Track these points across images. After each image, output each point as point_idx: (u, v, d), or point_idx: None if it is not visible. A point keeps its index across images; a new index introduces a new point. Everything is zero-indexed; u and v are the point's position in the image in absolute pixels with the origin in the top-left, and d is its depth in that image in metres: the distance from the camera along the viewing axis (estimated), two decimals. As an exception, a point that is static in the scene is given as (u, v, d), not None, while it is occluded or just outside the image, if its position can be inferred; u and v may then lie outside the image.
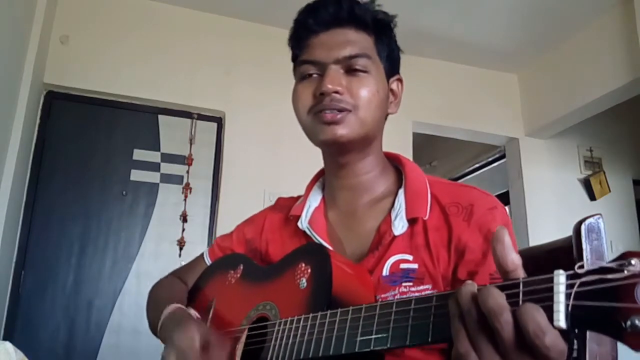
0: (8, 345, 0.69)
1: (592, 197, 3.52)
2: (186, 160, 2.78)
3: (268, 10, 2.91)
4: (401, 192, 0.80)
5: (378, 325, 0.53)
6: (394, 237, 0.75)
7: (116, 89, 2.71)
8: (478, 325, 0.42)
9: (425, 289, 0.70)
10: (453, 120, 3.35)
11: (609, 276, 0.37)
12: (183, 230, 2.69)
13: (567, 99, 3.11)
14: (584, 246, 0.57)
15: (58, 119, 2.64)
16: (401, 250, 0.74)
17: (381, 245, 0.75)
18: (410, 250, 0.74)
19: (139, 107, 2.77)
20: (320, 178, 0.93)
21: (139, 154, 2.72)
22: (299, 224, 0.85)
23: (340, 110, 0.76)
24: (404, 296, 0.69)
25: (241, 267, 0.85)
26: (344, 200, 0.85)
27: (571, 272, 0.40)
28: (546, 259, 0.71)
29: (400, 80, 0.87)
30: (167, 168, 2.75)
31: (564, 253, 0.55)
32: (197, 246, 2.69)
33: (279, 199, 0.98)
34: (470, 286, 0.44)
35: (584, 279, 0.39)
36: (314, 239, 0.82)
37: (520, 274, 0.44)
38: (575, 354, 0.42)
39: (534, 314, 0.39)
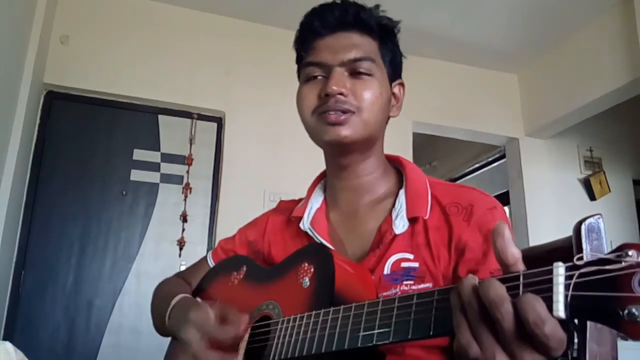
0: (8, 345, 0.69)
1: (592, 197, 3.52)
2: (186, 160, 2.78)
3: (268, 10, 2.91)
4: (402, 192, 0.81)
5: (380, 321, 0.53)
6: (395, 236, 0.76)
7: (116, 89, 2.71)
8: (479, 316, 0.43)
9: (426, 288, 0.71)
10: (453, 120, 3.35)
11: (607, 267, 0.38)
12: (183, 230, 2.69)
13: (567, 99, 3.11)
14: (584, 246, 0.57)
15: (58, 119, 2.64)
16: (402, 249, 0.75)
17: (382, 244, 0.76)
18: (411, 249, 0.75)
19: (139, 107, 2.77)
20: (322, 180, 0.94)
21: (139, 154, 2.72)
22: (301, 225, 0.86)
23: (344, 112, 0.77)
24: (406, 289, 0.70)
25: (244, 269, 0.86)
26: (346, 201, 0.86)
27: (570, 264, 0.40)
28: (546, 259, 0.71)
29: (402, 84, 0.89)
30: (167, 168, 2.75)
31: (564, 253, 0.55)
32: (197, 246, 2.69)
33: (281, 202, 1.00)
34: (472, 279, 0.45)
35: (582, 270, 0.40)
36: (315, 239, 0.83)
37: (521, 267, 0.44)
38: (576, 347, 0.43)
39: (534, 303, 0.40)
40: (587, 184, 3.55)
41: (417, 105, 2.96)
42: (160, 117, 2.81)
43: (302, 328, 0.63)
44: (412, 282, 0.72)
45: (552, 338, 0.39)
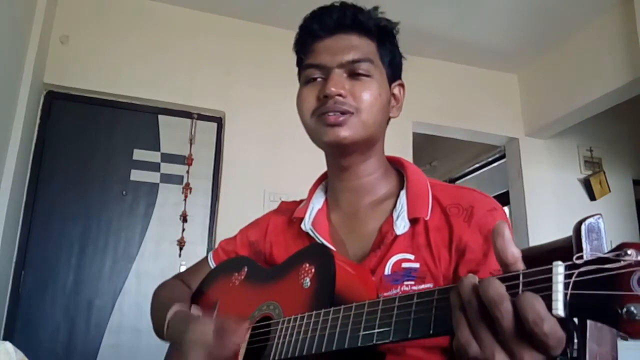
0: (8, 345, 0.69)
1: (592, 197, 3.52)
2: (186, 160, 2.78)
3: (268, 10, 2.91)
4: (403, 193, 0.82)
5: (381, 320, 0.54)
6: (396, 236, 0.76)
7: (116, 89, 2.71)
8: (479, 315, 0.43)
9: (427, 288, 0.71)
10: (453, 120, 3.35)
11: (606, 266, 0.39)
12: (183, 230, 2.69)
13: (567, 99, 3.11)
14: (584, 246, 0.57)
15: (58, 119, 2.64)
16: (403, 250, 0.75)
17: (383, 245, 0.76)
18: (412, 249, 0.75)
19: (139, 107, 2.77)
20: (323, 181, 0.95)
21: (139, 154, 2.72)
22: (302, 225, 0.86)
23: (343, 113, 0.78)
24: (407, 289, 0.70)
25: (245, 269, 0.86)
26: (347, 202, 0.87)
27: (569, 263, 0.41)
28: (546, 259, 0.71)
29: (402, 85, 0.90)
30: (167, 168, 2.75)
31: (564, 253, 0.55)
32: (197, 246, 2.69)
33: (282, 203, 1.00)
34: (472, 278, 0.45)
35: (582, 269, 0.40)
36: (316, 240, 0.83)
37: (520, 266, 0.44)
38: (575, 346, 0.43)
39: (533, 302, 0.40)
40: (587, 184, 3.55)
41: (417, 105, 2.96)
42: (160, 117, 2.81)
43: (303, 328, 0.63)
44: (412, 282, 0.72)
45: (551, 336, 0.39)
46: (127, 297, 2.52)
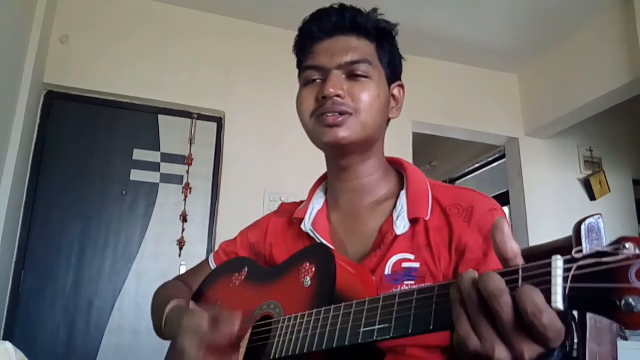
0: (8, 345, 0.69)
1: (592, 197, 3.52)
2: (186, 160, 2.78)
3: (268, 10, 2.91)
4: (403, 193, 0.82)
5: (381, 317, 0.54)
6: (396, 236, 0.77)
7: (116, 89, 2.71)
8: (478, 309, 0.44)
9: None
10: (453, 120, 3.35)
11: (605, 259, 0.39)
12: (183, 230, 2.69)
13: (567, 99, 3.11)
14: (584, 246, 0.57)
15: (58, 119, 2.64)
16: (403, 250, 0.76)
17: (383, 245, 0.77)
18: (412, 249, 0.76)
19: (139, 107, 2.77)
20: (323, 182, 0.95)
21: (139, 154, 2.72)
22: (302, 226, 0.87)
23: (342, 114, 0.79)
24: (406, 289, 0.70)
25: (246, 270, 0.86)
26: (347, 202, 0.87)
27: (569, 257, 0.41)
28: (546, 259, 0.71)
29: (401, 86, 0.90)
30: (167, 168, 2.75)
31: (564, 253, 0.55)
32: (197, 246, 2.69)
33: (282, 204, 1.01)
34: (472, 273, 0.46)
35: (580, 263, 0.40)
36: (317, 240, 0.83)
37: (520, 261, 0.45)
38: (576, 339, 0.43)
39: (532, 295, 0.40)
40: (587, 184, 3.55)
41: (417, 105, 2.96)
42: (160, 117, 2.81)
43: (303, 326, 0.63)
44: (413, 282, 0.72)
45: (550, 329, 0.40)
46: (127, 297, 2.52)
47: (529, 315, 0.40)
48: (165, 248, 2.65)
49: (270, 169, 2.85)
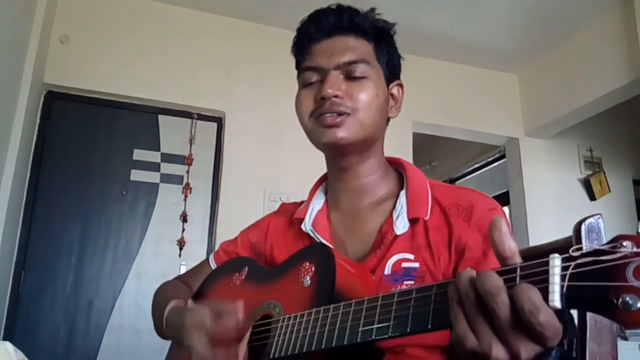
0: (8, 345, 0.69)
1: (592, 197, 3.52)
2: (186, 160, 2.78)
3: (268, 10, 2.91)
4: (403, 193, 0.82)
5: (380, 316, 0.54)
6: (396, 236, 0.77)
7: (116, 89, 2.71)
8: (476, 307, 0.44)
9: None
10: (453, 120, 3.35)
11: (602, 258, 0.39)
12: (183, 230, 2.69)
13: (567, 99, 3.11)
14: (584, 246, 0.57)
15: (58, 119, 2.64)
16: (402, 250, 0.76)
17: (383, 245, 0.77)
18: (412, 249, 0.76)
19: (139, 107, 2.77)
20: (323, 182, 0.95)
21: (139, 154, 2.72)
22: (302, 226, 0.87)
23: (340, 114, 0.79)
24: (405, 288, 0.70)
25: (246, 269, 0.86)
26: (347, 203, 0.87)
27: (566, 255, 0.41)
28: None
29: (400, 85, 0.90)
30: (167, 168, 2.75)
31: (563, 253, 0.55)
32: (197, 246, 2.69)
33: (282, 205, 1.01)
34: (469, 271, 0.45)
35: (578, 261, 0.40)
36: (316, 240, 0.83)
37: (517, 260, 0.45)
38: (576, 339, 0.43)
39: (529, 293, 0.40)
40: (587, 184, 3.55)
41: (417, 105, 2.96)
42: (160, 117, 2.81)
43: (303, 325, 0.63)
44: (412, 282, 0.73)
45: (547, 327, 0.40)
46: (127, 297, 2.52)
47: (525, 313, 0.40)
48: (165, 248, 2.65)
49: (270, 169, 2.85)
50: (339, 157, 0.84)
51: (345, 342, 0.56)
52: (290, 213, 0.93)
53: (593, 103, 2.96)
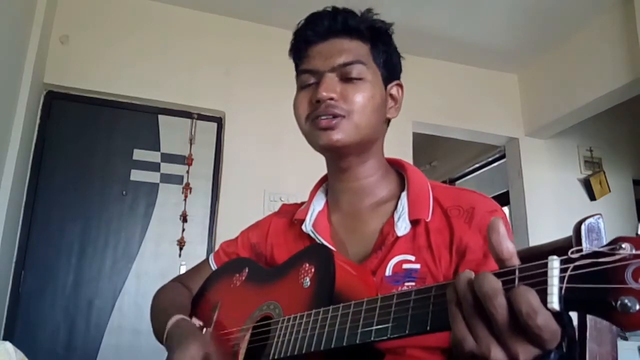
0: (8, 345, 0.69)
1: (592, 197, 3.52)
2: (186, 160, 2.78)
3: (268, 10, 2.91)
4: (404, 195, 0.82)
5: (379, 317, 0.54)
6: (397, 237, 0.77)
7: (116, 89, 2.71)
8: (474, 310, 0.44)
9: None
10: (453, 120, 3.35)
11: (601, 260, 0.39)
12: (183, 230, 2.69)
13: (567, 99, 3.11)
14: (583, 246, 0.57)
15: (58, 119, 2.64)
16: (404, 251, 0.76)
17: (384, 246, 0.77)
18: (413, 251, 0.76)
19: (139, 107, 2.77)
20: (323, 183, 0.95)
21: (139, 154, 2.72)
22: (303, 227, 0.87)
23: (335, 116, 0.79)
24: (405, 289, 0.70)
25: (246, 270, 0.86)
26: (347, 203, 0.87)
27: (565, 257, 0.41)
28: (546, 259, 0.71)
29: (400, 85, 0.90)
30: (167, 168, 2.75)
31: (564, 253, 0.55)
32: (197, 246, 2.69)
33: (283, 205, 1.01)
34: (468, 273, 0.45)
35: (577, 263, 0.40)
36: (317, 241, 0.83)
37: (516, 262, 0.45)
38: (577, 340, 0.43)
39: (527, 295, 0.40)
40: (587, 184, 3.55)
41: (417, 105, 2.96)
42: (160, 117, 2.81)
43: (302, 326, 0.63)
44: (413, 283, 0.72)
45: (545, 330, 0.40)
46: (127, 297, 2.52)
47: (523, 315, 0.40)
48: (165, 248, 2.65)
49: (270, 169, 2.84)
50: (338, 158, 0.84)
51: (344, 344, 0.56)
52: (291, 214, 0.93)
53: (593, 103, 2.96)
